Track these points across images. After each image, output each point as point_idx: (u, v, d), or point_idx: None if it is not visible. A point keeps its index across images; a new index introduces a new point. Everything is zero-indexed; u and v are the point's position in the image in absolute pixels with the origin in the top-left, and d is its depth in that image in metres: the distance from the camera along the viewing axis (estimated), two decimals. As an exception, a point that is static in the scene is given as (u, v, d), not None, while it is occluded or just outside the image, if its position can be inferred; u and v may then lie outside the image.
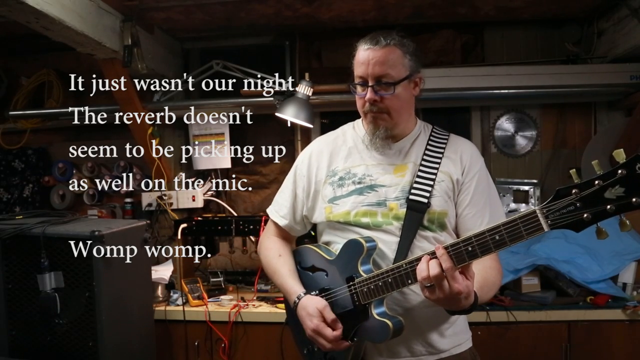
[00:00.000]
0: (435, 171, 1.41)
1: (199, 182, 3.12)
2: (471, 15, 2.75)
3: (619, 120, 2.84)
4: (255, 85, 2.80)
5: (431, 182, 1.39)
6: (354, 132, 1.56)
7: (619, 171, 0.98)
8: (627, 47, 2.50)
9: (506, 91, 2.70)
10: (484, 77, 2.70)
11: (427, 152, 1.45)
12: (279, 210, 1.62)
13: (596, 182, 1.01)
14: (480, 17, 2.78)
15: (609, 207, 1.00)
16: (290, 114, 2.57)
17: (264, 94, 2.77)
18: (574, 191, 1.03)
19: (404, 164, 1.45)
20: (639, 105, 2.53)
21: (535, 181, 2.86)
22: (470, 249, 1.14)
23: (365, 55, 1.39)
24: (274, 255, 1.58)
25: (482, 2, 2.58)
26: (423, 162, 1.43)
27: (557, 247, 2.39)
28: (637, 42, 2.40)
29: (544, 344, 2.20)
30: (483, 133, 3.00)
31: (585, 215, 1.02)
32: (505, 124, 2.98)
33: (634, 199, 0.97)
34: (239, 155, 3.11)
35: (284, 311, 1.62)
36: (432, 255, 1.18)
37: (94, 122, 3.08)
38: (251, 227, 2.60)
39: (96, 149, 3.19)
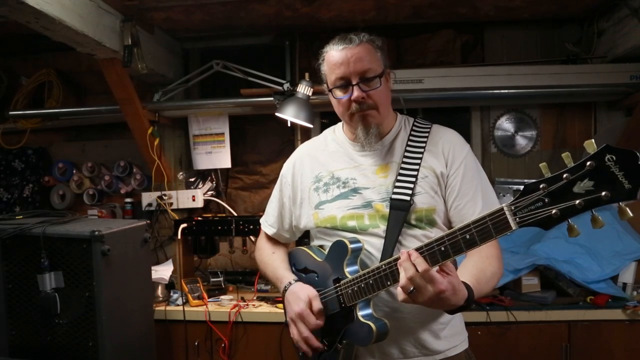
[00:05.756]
0: (417, 167, 1.38)
1: (199, 182, 3.12)
2: (471, 15, 2.75)
3: (619, 120, 2.84)
4: (255, 85, 2.80)
5: (413, 179, 1.36)
6: (335, 136, 1.55)
7: (588, 163, 0.90)
8: (627, 47, 2.50)
9: (506, 91, 2.69)
10: (484, 77, 2.69)
11: (408, 148, 1.42)
12: (267, 219, 1.66)
13: (564, 175, 0.93)
14: (480, 17, 2.78)
15: (577, 202, 0.92)
16: (290, 114, 2.57)
17: (264, 94, 2.78)
18: (541, 186, 0.96)
19: (386, 164, 1.43)
20: (639, 105, 2.53)
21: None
22: (443, 249, 1.11)
23: (342, 55, 1.35)
24: (268, 253, 1.63)
25: (482, 2, 2.58)
26: (404, 160, 1.40)
27: (557, 247, 2.39)
28: (637, 42, 2.40)
29: (544, 344, 2.20)
30: (483, 133, 3.00)
31: (553, 211, 0.94)
32: (505, 124, 2.98)
33: (603, 193, 0.89)
34: (239, 155, 3.12)
35: (284, 311, 1.62)
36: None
37: (94, 122, 3.10)
38: (251, 227, 2.60)
39: (96, 149, 3.19)
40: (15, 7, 1.79)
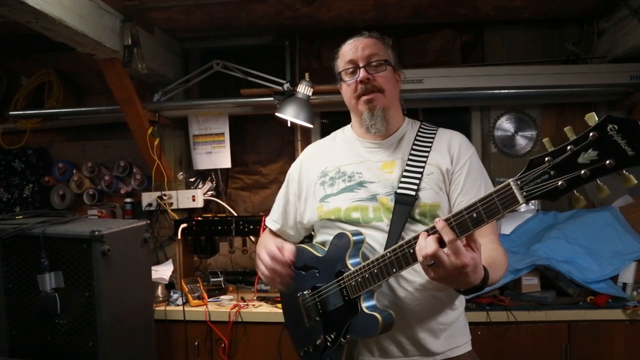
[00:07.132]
0: (423, 164, 1.41)
1: (199, 182, 3.12)
2: (471, 15, 2.75)
3: (619, 120, 2.83)
4: (255, 85, 2.80)
5: (419, 175, 1.39)
6: (344, 135, 1.60)
7: (591, 134, 0.92)
8: (627, 47, 2.50)
9: (506, 91, 2.69)
10: (484, 77, 2.69)
11: (414, 146, 1.46)
12: (272, 215, 1.69)
13: (568, 147, 0.95)
14: (480, 17, 2.78)
15: (583, 172, 0.94)
16: (290, 114, 2.57)
17: (264, 94, 2.78)
18: (547, 159, 0.98)
19: (392, 160, 1.46)
20: (639, 105, 2.53)
21: (535, 181, 2.86)
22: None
23: (352, 45, 1.47)
24: (268, 239, 1.66)
25: (482, 2, 2.58)
26: (410, 157, 1.43)
27: (557, 247, 2.39)
28: (637, 42, 2.41)
29: (544, 344, 2.20)
30: (483, 133, 3.00)
31: (560, 182, 0.96)
32: (505, 124, 2.98)
33: (607, 162, 0.91)
34: (239, 155, 3.12)
35: (283, 311, 1.61)
36: (431, 230, 1.12)
37: (94, 122, 3.10)
38: (251, 227, 2.60)
39: (96, 149, 3.19)
40: (15, 7, 1.79)
